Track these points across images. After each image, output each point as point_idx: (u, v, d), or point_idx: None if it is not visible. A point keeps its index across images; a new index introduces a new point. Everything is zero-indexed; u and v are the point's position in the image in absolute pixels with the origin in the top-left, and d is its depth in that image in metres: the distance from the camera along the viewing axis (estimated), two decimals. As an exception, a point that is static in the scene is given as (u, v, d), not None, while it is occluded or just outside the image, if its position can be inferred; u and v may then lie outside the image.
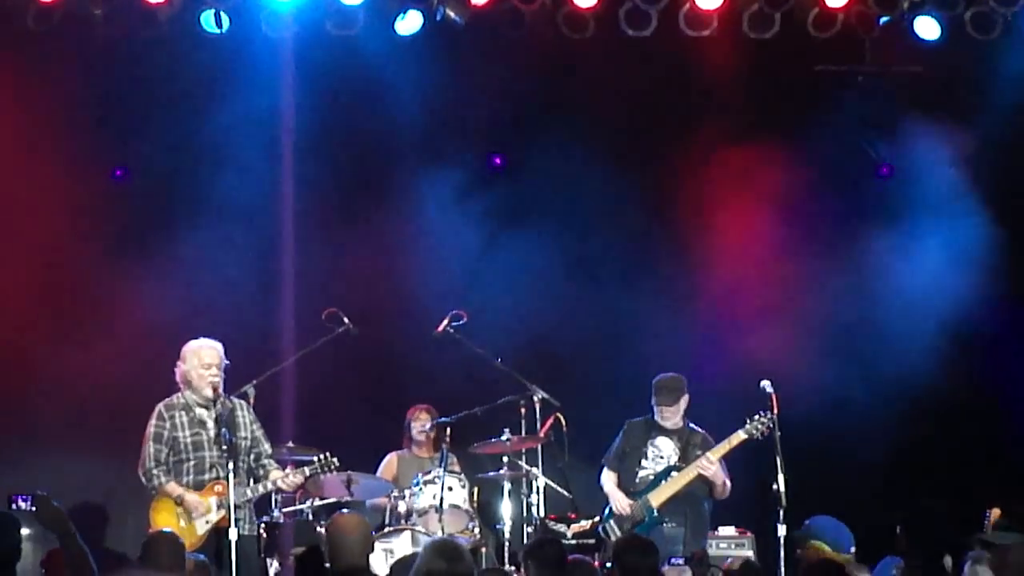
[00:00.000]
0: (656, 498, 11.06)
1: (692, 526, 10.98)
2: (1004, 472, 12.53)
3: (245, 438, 10.20)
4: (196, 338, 10.30)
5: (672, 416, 11.25)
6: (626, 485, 11.23)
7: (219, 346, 10.26)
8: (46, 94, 12.39)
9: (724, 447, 11.01)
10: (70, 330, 12.57)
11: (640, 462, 11.25)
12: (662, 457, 11.22)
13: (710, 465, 10.97)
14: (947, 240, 12.81)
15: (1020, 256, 12.94)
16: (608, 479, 11.33)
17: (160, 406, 10.23)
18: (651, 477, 11.18)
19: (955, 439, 12.96)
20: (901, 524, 7.54)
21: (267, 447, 10.39)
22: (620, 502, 11.15)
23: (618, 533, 10.97)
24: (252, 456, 10.25)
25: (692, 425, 11.30)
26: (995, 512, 10.24)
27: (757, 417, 10.85)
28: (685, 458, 11.15)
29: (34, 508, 6.92)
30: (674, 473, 11.10)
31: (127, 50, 12.32)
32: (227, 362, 10.23)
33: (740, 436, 10.94)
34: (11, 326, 12.46)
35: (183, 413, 10.17)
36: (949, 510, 7.52)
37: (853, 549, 7.14)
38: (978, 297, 12.76)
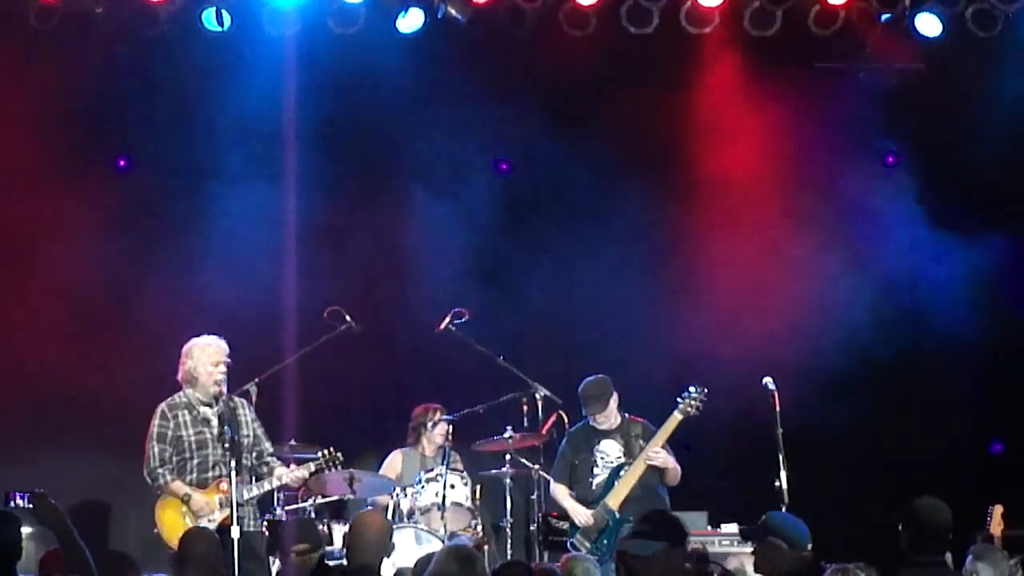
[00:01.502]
0: (614, 500, 10.98)
1: None
2: (1005, 468, 12.53)
3: (247, 436, 10.16)
4: (198, 335, 10.27)
5: (607, 419, 11.18)
6: (584, 496, 11.12)
7: (224, 343, 10.23)
8: (48, 91, 12.37)
9: (664, 433, 10.96)
10: (70, 325, 12.55)
11: (592, 470, 11.18)
12: (610, 462, 11.16)
13: (656, 455, 10.93)
14: (947, 230, 12.83)
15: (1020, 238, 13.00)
16: (560, 493, 11.21)
17: (163, 406, 10.17)
18: (604, 482, 11.15)
19: (958, 434, 12.95)
20: (903, 523, 7.51)
21: (268, 445, 10.37)
22: (580, 515, 11.05)
23: (587, 545, 10.92)
24: (254, 454, 10.21)
25: (628, 415, 11.24)
26: (998, 509, 10.23)
27: (687, 395, 10.90)
28: (630, 453, 11.09)
29: (32, 506, 6.90)
30: (624, 470, 11.05)
31: (128, 48, 12.33)
32: (230, 360, 10.22)
33: (676, 418, 10.93)
34: (11, 322, 12.46)
35: (186, 412, 10.13)
36: (951, 507, 7.47)
37: (810, 546, 7.06)
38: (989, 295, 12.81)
